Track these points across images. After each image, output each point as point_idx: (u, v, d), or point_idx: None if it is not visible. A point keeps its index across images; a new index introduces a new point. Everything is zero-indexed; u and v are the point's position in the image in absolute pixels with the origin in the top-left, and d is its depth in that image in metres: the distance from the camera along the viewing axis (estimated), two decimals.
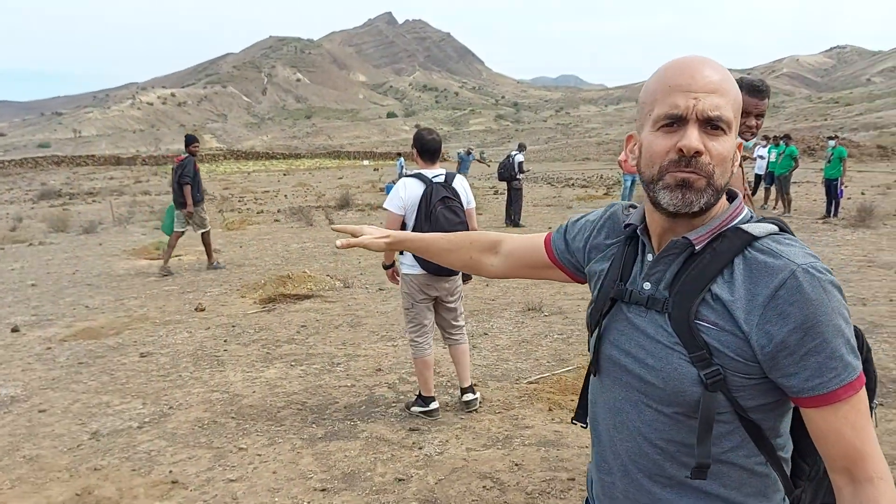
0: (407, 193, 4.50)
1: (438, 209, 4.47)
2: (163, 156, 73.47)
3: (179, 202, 10.30)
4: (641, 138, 1.23)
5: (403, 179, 4.63)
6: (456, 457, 4.09)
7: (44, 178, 45.18)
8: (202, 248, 10.98)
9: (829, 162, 15.11)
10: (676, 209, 1.15)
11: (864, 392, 1.12)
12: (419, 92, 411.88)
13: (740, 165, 3.45)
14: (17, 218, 19.16)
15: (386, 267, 4.81)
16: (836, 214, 14.88)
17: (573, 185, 27.67)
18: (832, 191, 14.96)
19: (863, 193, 19.17)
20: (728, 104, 1.16)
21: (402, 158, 28.70)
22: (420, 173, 4.61)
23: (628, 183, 18.90)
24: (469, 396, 4.82)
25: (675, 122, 1.15)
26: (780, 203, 16.75)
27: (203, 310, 7.97)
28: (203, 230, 10.65)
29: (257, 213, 19.61)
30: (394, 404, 4.95)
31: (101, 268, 11.17)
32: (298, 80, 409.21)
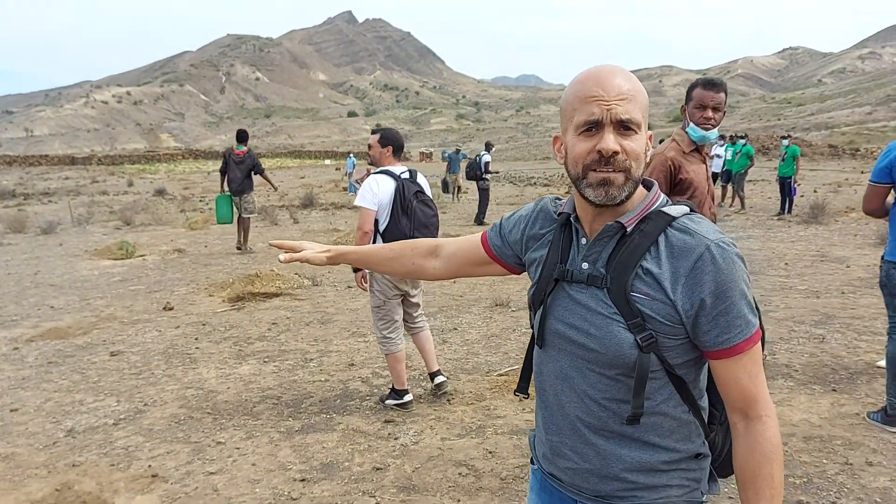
0: (380, 189, 4.62)
1: (414, 203, 4.64)
2: (118, 155, 72.10)
3: (238, 190, 11.63)
4: (566, 141, 1.41)
5: (374, 176, 4.73)
6: (431, 446, 4.21)
7: None
8: (166, 248, 10.92)
9: (783, 160, 15.56)
10: (601, 202, 1.35)
11: (759, 345, 1.36)
12: (380, 91, 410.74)
13: (705, 160, 3.63)
14: None
15: (356, 270, 4.89)
16: (790, 211, 15.33)
17: (535, 183, 27.96)
18: (786, 188, 15.42)
19: (815, 191, 19.75)
20: (637, 108, 1.33)
21: (352, 156, 28.93)
22: (388, 170, 4.75)
23: None
24: (440, 379, 4.99)
25: (593, 127, 1.33)
26: (736, 200, 17.19)
27: (171, 309, 7.96)
28: (250, 215, 12.00)
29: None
30: (368, 397, 5.04)
31: (63, 268, 11.02)
32: (257, 78, 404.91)
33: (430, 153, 76.71)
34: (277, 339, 6.61)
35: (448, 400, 4.94)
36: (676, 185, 3.50)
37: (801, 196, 17.64)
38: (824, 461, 3.81)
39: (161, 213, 19.05)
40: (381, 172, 4.75)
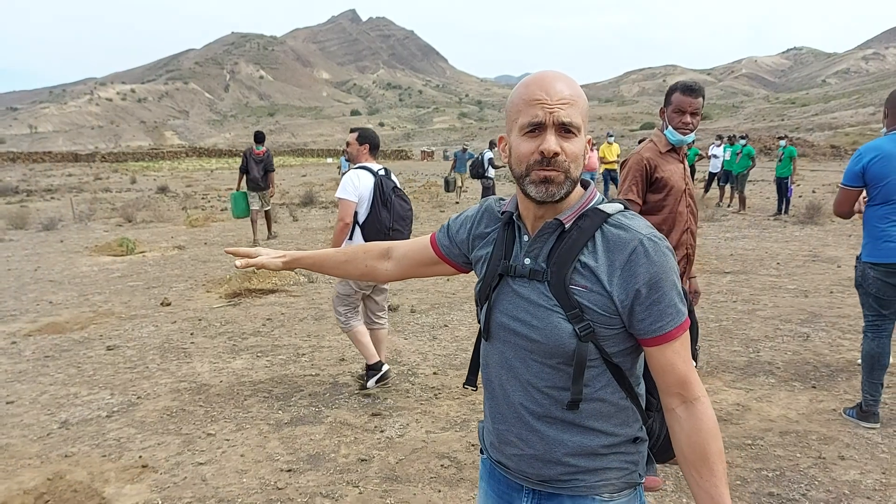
0: (361, 183, 4.88)
1: (393, 198, 4.94)
2: (122, 152, 72.28)
3: (259, 186, 12.69)
4: (511, 141, 1.50)
5: (355, 171, 4.98)
6: (416, 438, 4.31)
7: None
8: (166, 245, 11.03)
9: (780, 161, 15.64)
10: (542, 199, 1.44)
11: (688, 333, 1.46)
12: (383, 90, 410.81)
13: (682, 160, 3.71)
14: None
15: None
16: (786, 212, 15.40)
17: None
18: (783, 189, 15.49)
19: (814, 192, 19.82)
20: (577, 112, 1.43)
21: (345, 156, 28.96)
22: (366, 166, 5.01)
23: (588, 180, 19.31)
24: (384, 368, 5.25)
25: (536, 129, 1.42)
26: (734, 201, 17.26)
27: (169, 304, 8.06)
28: (268, 208, 13.23)
29: (221, 210, 19.58)
30: (357, 392, 5.14)
31: (63, 264, 11.13)
32: (261, 77, 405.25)
33: (432, 152, 76.79)
34: (271, 335, 6.71)
35: (435, 395, 5.04)
36: (653, 184, 3.59)
37: (799, 196, 17.71)
38: (798, 455, 3.90)
39: (163, 210, 19.15)
40: (360, 168, 4.99)
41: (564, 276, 1.43)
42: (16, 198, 26.09)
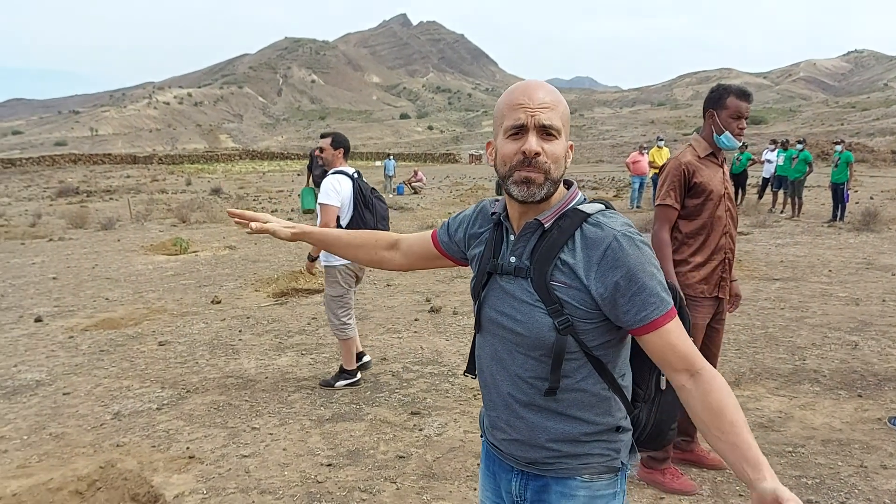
0: (342, 188, 5.11)
1: (372, 199, 5.21)
2: (178, 155, 74.07)
3: (319, 183, 12.50)
4: (496, 144, 1.58)
5: (335, 176, 5.19)
6: (454, 438, 4.37)
7: (61, 175, 45.83)
8: (218, 245, 11.33)
9: (835, 167, 15.25)
10: (524, 199, 1.53)
11: (678, 320, 1.51)
12: (432, 93, 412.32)
13: (722, 165, 3.69)
14: (37, 214, 19.58)
15: (312, 259, 5.36)
16: (842, 218, 15.01)
17: (583, 187, 27.86)
18: (839, 195, 15.10)
19: (871, 198, 19.28)
20: (557, 116, 1.51)
21: (391, 158, 29.18)
22: (343, 170, 5.26)
23: (636, 185, 19.13)
24: (366, 359, 5.63)
25: (519, 131, 1.51)
26: (787, 206, 16.88)
27: (219, 302, 8.29)
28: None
29: (272, 211, 19.95)
30: (397, 390, 5.23)
31: (119, 263, 11.52)
32: (313, 81, 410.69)
33: (480, 155, 76.76)
34: (316, 333, 6.85)
35: (474, 395, 5.09)
36: (691, 189, 3.57)
37: (856, 203, 17.25)
38: (839, 463, 3.84)
39: (216, 211, 19.61)
40: (337, 173, 5.22)
41: (545, 273, 1.52)
42: (76, 198, 27.01)
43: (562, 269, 1.51)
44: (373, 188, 5.37)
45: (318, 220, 5.12)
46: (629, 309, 1.47)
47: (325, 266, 5.26)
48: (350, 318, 5.31)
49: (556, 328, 1.50)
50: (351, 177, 5.25)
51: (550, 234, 1.55)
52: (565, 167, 1.56)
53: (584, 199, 1.62)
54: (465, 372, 1.89)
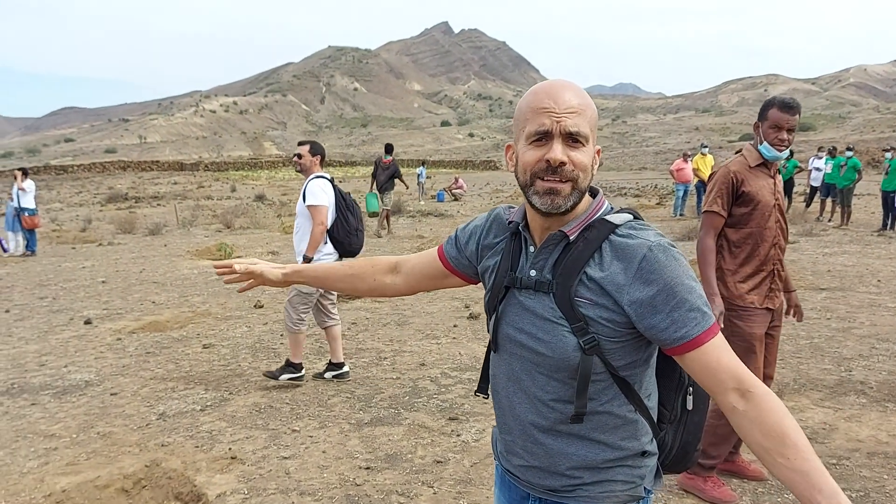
0: (328, 191, 5.43)
1: (350, 201, 5.51)
2: (224, 162, 75.36)
3: (384, 188, 15.25)
4: (517, 149, 1.47)
5: (319, 180, 5.44)
6: (491, 444, 4.37)
7: (111, 182, 47.02)
8: (262, 250, 11.53)
9: (886, 174, 14.89)
10: (547, 210, 1.42)
11: (720, 334, 1.38)
12: (473, 101, 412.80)
13: (774, 175, 3.65)
14: (87, 220, 20.13)
15: (307, 260, 5.39)
16: (892, 227, 14.65)
17: (626, 194, 27.65)
18: (889, 203, 14.74)
19: None
20: (585, 122, 1.40)
21: (423, 166, 29.43)
22: (323, 175, 5.50)
23: (680, 192, 18.90)
24: (345, 369, 5.72)
25: (543, 138, 1.39)
26: (835, 215, 16.52)
27: (262, 306, 8.42)
28: (388, 208, 15.78)
29: None
30: (436, 395, 5.25)
31: (166, 267, 11.78)
32: (355, 89, 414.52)
33: None
34: (356, 338, 6.92)
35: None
36: (739, 198, 3.55)
37: None
38: (885, 477, 3.76)
39: (259, 217, 19.93)
40: (318, 178, 5.46)
41: (569, 289, 1.41)
42: (125, 204, 27.68)
43: (587, 284, 1.40)
44: (348, 192, 5.64)
45: (309, 222, 5.34)
46: (667, 326, 1.35)
47: (305, 261, 5.35)
48: (307, 314, 5.54)
49: (582, 348, 1.40)
50: (329, 180, 5.53)
51: (575, 247, 1.44)
52: (593, 175, 1.45)
53: (612, 208, 1.51)
54: (476, 392, 1.74)
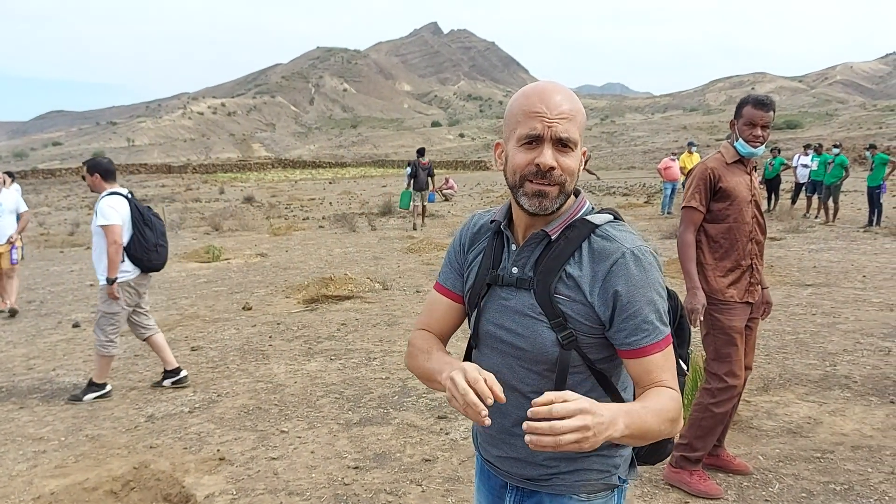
0: (121, 208, 5.30)
1: (151, 217, 5.41)
2: (212, 164, 75.12)
3: (422, 187, 17.20)
4: (507, 149, 1.51)
5: (110, 198, 5.30)
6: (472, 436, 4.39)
7: None
8: (250, 252, 11.51)
9: (871, 170, 15.02)
10: (535, 212, 1.48)
11: (669, 349, 1.46)
12: (463, 101, 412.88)
13: (750, 172, 3.70)
14: (75, 223, 20.02)
15: (110, 282, 5.30)
16: (878, 223, 14.77)
17: (614, 193, 27.71)
18: (874, 199, 14.86)
19: None
20: (575, 127, 1.44)
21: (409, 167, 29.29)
22: (116, 191, 5.39)
23: (668, 191, 18.97)
24: (183, 373, 5.70)
25: (534, 141, 1.43)
26: (822, 212, 16.63)
27: (250, 309, 8.42)
28: (426, 203, 17.83)
29: (303, 219, 20.18)
30: (425, 395, 5.27)
31: None
32: (345, 89, 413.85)
33: None
34: (345, 339, 6.93)
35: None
36: (716, 193, 3.61)
37: (894, 208, 16.93)
38: (869, 470, 3.80)
39: (248, 219, 19.87)
40: (111, 195, 5.32)
41: (549, 286, 1.46)
42: None
43: (566, 281, 1.46)
44: (149, 206, 5.54)
45: (104, 241, 5.19)
46: (621, 329, 1.43)
47: (109, 283, 5.27)
48: (117, 337, 5.47)
49: (560, 343, 1.45)
50: (126, 196, 5.41)
51: (557, 245, 1.49)
52: (578, 177, 1.50)
53: (592, 208, 1.56)
54: None
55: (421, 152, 17.37)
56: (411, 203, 17.41)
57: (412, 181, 17.09)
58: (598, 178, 21.74)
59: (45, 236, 16.94)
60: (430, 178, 17.38)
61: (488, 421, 1.32)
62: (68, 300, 9.35)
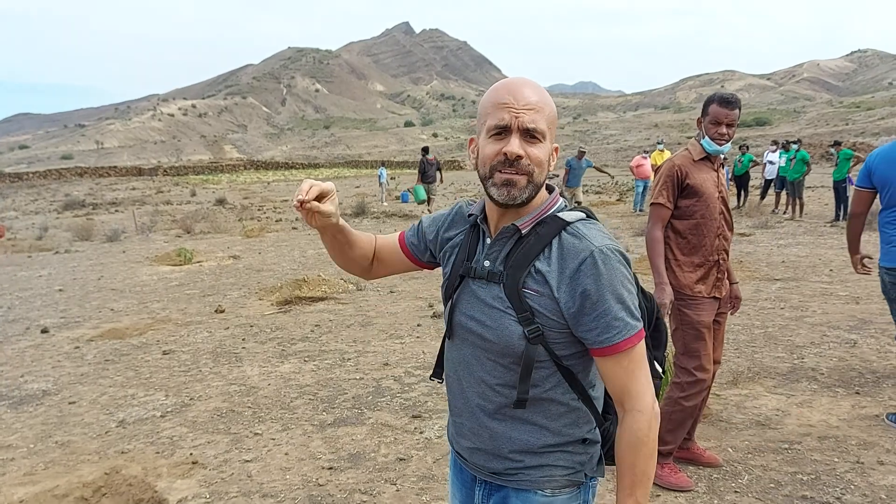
0: None
1: None
2: (183, 166, 74.33)
3: (432, 181, 17.97)
4: (478, 143, 1.55)
5: None
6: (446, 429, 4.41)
7: (67, 188, 46.06)
8: (222, 255, 11.41)
9: (836, 166, 15.31)
10: (504, 202, 1.50)
11: (641, 345, 1.49)
12: (436, 101, 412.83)
13: (717, 169, 3.76)
14: (43, 227, 19.70)
15: None
16: (844, 218, 15.02)
17: (587, 191, 27.88)
18: (840, 194, 15.14)
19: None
20: (543, 119, 1.47)
21: (383, 168, 29.24)
22: None
23: (640, 188, 19.15)
24: None
25: (502, 132, 1.47)
26: (790, 207, 16.90)
27: (223, 311, 8.36)
28: (433, 196, 18.31)
29: (276, 221, 20.06)
30: (399, 395, 5.28)
31: (125, 274, 11.61)
32: (317, 90, 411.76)
33: None
34: (319, 340, 6.91)
35: None
36: (684, 190, 3.65)
37: None
38: (835, 460, 3.88)
39: (220, 221, 19.71)
40: None
41: (518, 280, 1.49)
42: (82, 211, 27.17)
43: (535, 276, 1.48)
44: None
45: None
46: (591, 329, 1.45)
47: None
48: None
49: (526, 337, 1.47)
50: None
51: (527, 241, 1.52)
52: (549, 171, 1.53)
53: (565, 205, 1.58)
54: (430, 376, 1.83)
55: (426, 150, 18.39)
56: (428, 195, 18.05)
57: (421, 176, 18.04)
58: (613, 178, 21.76)
59: (12, 241, 16.66)
60: (438, 172, 18.35)
61: (297, 203, 1.53)
62: (37, 305, 9.21)
